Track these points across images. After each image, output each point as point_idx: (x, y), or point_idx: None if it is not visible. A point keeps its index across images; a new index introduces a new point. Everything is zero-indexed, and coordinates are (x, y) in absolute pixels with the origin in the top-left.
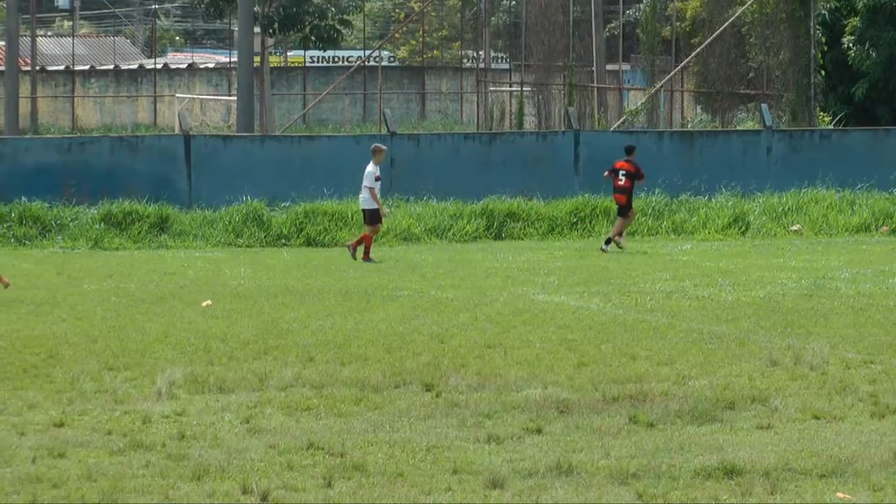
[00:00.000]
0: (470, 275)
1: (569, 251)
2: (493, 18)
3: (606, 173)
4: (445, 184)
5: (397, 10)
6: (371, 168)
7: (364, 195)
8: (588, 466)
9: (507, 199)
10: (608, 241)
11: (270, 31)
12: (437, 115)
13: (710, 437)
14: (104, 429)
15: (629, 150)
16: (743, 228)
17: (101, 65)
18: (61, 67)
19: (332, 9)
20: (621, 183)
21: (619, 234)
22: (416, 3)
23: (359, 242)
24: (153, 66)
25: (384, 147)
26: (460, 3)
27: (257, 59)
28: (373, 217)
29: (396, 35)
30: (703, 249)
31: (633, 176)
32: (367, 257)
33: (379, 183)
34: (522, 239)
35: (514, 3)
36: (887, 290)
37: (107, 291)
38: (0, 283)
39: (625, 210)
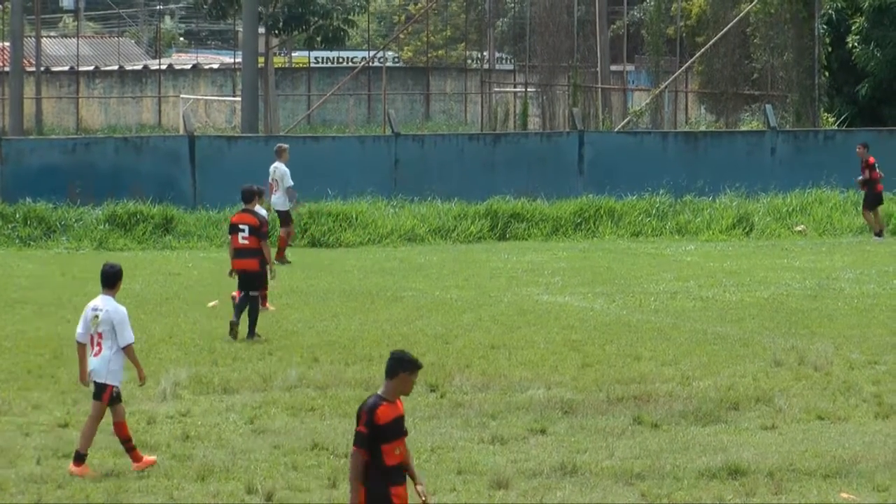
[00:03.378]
0: (474, 275)
1: (573, 252)
2: (498, 24)
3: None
4: (450, 184)
5: (401, 12)
6: (286, 168)
7: (281, 196)
8: (592, 467)
9: (512, 199)
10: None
11: (275, 31)
12: (441, 115)
13: (715, 438)
14: (109, 429)
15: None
16: (747, 229)
17: (106, 65)
18: (66, 68)
19: (338, 8)
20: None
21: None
22: (415, 8)
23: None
24: (157, 67)
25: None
26: (464, 4)
27: (262, 59)
28: (288, 217)
29: (401, 36)
30: (708, 250)
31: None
32: (281, 256)
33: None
34: (527, 239)
35: (517, 8)
36: (891, 291)
37: None
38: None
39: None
